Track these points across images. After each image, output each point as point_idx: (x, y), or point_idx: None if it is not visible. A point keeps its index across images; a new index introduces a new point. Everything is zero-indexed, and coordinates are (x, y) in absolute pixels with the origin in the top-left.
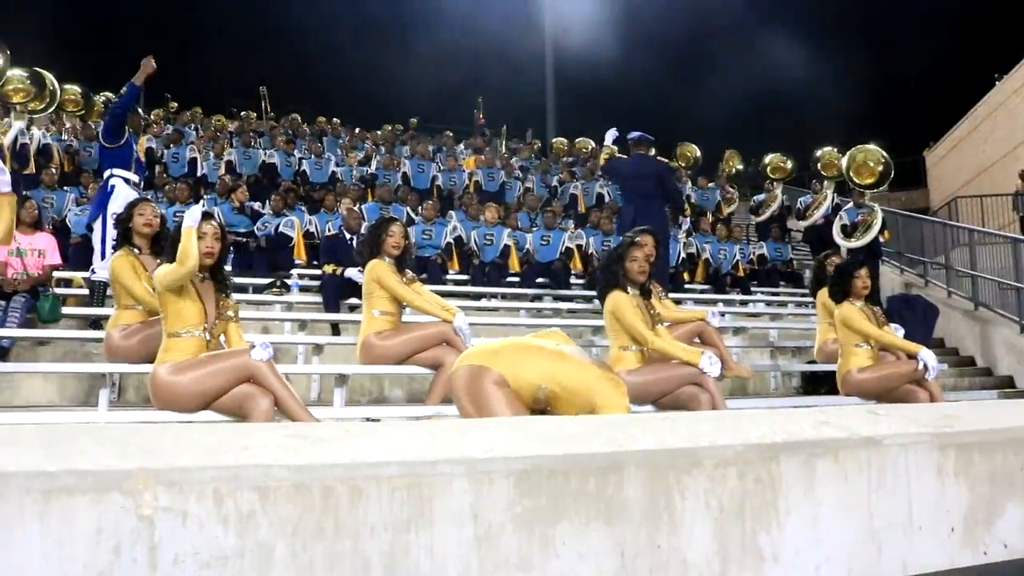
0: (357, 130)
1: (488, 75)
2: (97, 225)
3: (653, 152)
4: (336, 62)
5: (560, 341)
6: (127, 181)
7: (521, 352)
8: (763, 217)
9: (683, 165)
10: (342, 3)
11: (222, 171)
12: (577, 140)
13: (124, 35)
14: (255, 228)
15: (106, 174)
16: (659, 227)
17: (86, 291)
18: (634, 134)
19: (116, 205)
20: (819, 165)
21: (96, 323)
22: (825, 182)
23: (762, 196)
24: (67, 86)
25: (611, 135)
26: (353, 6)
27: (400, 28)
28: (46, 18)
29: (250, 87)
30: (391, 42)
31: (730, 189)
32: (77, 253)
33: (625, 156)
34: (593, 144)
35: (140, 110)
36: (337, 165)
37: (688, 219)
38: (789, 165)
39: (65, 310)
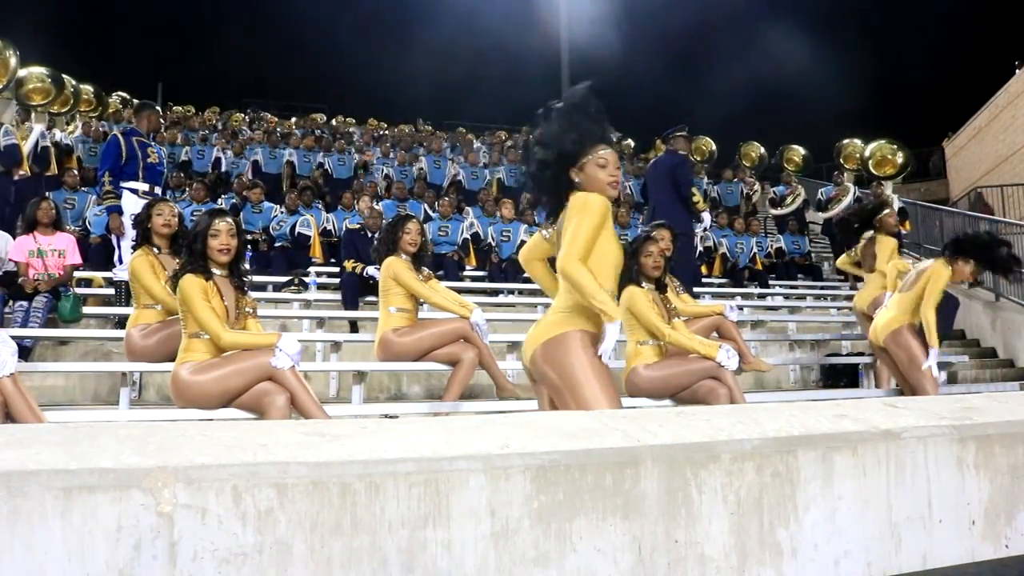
0: (378, 128)
1: (503, 70)
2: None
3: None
4: (344, 58)
5: None
6: (135, 192)
7: None
8: (784, 211)
9: (699, 160)
10: (352, 2)
11: (247, 171)
12: None
13: (127, 33)
14: (271, 227)
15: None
16: (678, 224)
17: (107, 290)
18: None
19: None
20: (840, 157)
21: (122, 322)
22: (845, 175)
23: (782, 188)
24: (82, 86)
25: None
26: (365, 5)
27: (403, 26)
28: (45, 14)
29: (259, 83)
30: (397, 38)
31: (750, 181)
32: (97, 253)
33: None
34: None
35: (158, 108)
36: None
37: (709, 216)
38: (801, 158)
39: (86, 309)
